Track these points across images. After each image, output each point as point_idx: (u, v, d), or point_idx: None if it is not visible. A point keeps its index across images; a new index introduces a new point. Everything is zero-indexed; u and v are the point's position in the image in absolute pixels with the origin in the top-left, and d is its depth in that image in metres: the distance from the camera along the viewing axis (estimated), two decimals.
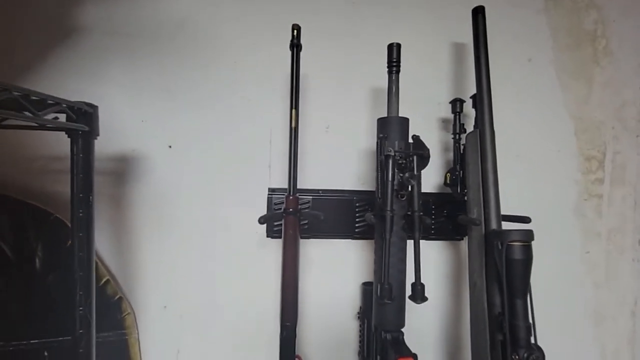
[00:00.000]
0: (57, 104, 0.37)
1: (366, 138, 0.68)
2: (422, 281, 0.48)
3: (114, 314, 0.61)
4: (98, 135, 0.45)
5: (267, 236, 0.65)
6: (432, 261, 0.70)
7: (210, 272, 0.64)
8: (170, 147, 0.63)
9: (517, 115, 0.71)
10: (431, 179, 0.69)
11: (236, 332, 0.65)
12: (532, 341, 0.45)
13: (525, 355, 0.43)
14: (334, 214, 0.65)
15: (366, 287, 0.63)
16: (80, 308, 0.46)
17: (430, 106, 0.70)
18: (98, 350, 0.62)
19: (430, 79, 0.70)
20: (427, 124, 0.70)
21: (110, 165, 0.62)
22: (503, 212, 0.53)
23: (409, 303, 0.48)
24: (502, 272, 0.45)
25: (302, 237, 0.66)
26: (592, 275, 0.74)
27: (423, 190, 0.68)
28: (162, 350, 0.64)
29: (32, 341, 0.60)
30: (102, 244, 0.61)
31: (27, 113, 0.34)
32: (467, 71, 0.70)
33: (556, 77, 0.72)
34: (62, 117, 0.43)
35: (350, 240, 0.67)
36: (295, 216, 0.50)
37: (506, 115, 0.70)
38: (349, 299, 0.67)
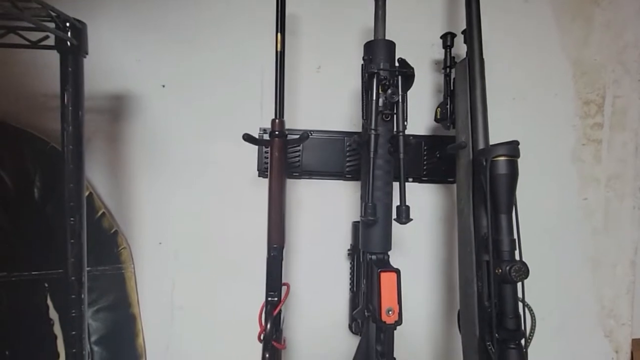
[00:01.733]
0: (44, 8, 0.38)
1: (358, 79, 0.67)
2: (407, 204, 0.48)
3: (110, 248, 0.63)
4: (87, 53, 0.46)
5: (259, 175, 0.66)
6: (425, 205, 0.70)
7: (203, 209, 0.66)
8: (163, 86, 0.65)
9: (512, 57, 0.70)
10: (424, 121, 0.69)
11: (230, 267, 0.66)
12: (517, 257, 0.45)
13: (508, 268, 0.42)
14: (325, 155, 0.66)
15: (356, 224, 0.63)
16: (72, 240, 0.47)
17: (424, 48, 0.69)
18: (96, 284, 0.64)
19: (423, 20, 0.69)
20: (420, 65, 0.68)
21: (105, 103, 0.63)
22: None
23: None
24: (486, 189, 0.45)
25: (292, 177, 0.67)
26: (590, 222, 0.72)
27: (415, 132, 0.68)
28: (157, 285, 0.66)
29: (33, 272, 0.63)
30: (98, 179, 0.63)
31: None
32: (462, 13, 0.69)
33: (553, 17, 0.71)
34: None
35: (341, 181, 0.68)
36: (281, 139, 0.50)
37: (501, 58, 0.69)
38: (340, 239, 0.68)
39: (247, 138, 0.47)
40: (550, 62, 0.71)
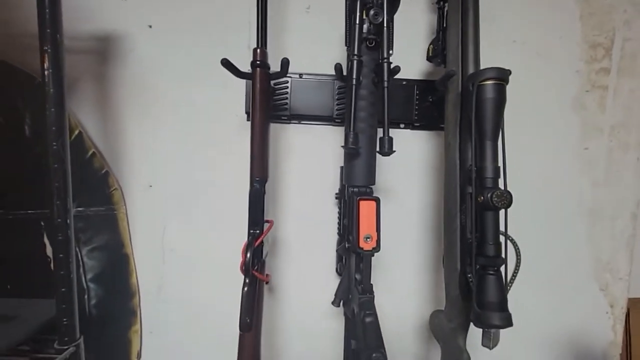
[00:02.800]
0: None
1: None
2: (389, 132, 0.47)
3: (102, 189, 0.64)
4: None
5: (248, 119, 0.65)
6: (418, 152, 0.68)
7: (192, 153, 0.66)
8: (150, 27, 0.64)
9: None
10: (417, 65, 0.66)
11: (219, 209, 0.67)
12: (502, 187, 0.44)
13: (490, 194, 0.41)
14: (315, 99, 0.64)
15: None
16: (55, 165, 0.48)
17: None
18: (90, 224, 0.66)
19: None
20: (413, 5, 0.66)
21: (91, 44, 0.63)
22: None
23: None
24: (472, 115, 0.43)
25: (281, 122, 0.66)
26: (590, 173, 0.70)
27: (407, 76, 0.66)
28: (149, 227, 0.67)
29: (29, 211, 0.65)
30: (87, 120, 0.63)
31: None
32: None
33: None
34: None
35: (330, 126, 0.66)
36: (263, 69, 0.49)
37: None
38: (329, 184, 0.67)
39: (226, 63, 0.46)
40: (555, 1, 0.67)
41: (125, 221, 0.66)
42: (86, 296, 0.66)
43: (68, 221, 0.50)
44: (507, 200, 0.41)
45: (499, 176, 0.43)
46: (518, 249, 0.48)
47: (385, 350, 0.38)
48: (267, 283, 0.53)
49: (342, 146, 0.47)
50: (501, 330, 0.71)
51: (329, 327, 0.69)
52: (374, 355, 0.37)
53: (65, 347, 0.48)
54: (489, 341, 0.49)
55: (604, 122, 0.69)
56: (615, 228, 0.71)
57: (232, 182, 0.66)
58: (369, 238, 0.44)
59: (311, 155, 0.67)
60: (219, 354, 0.69)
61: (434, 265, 0.69)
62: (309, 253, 0.68)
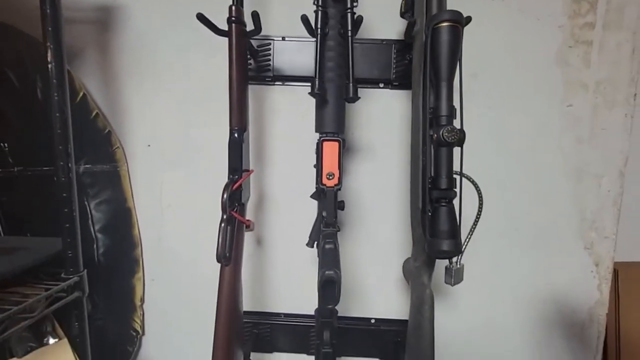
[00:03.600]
0: None
1: None
2: (354, 80, 0.50)
3: (105, 147, 0.71)
4: None
5: None
6: (397, 111, 0.70)
7: (187, 114, 0.71)
8: None
9: None
10: (396, 26, 0.68)
11: (212, 168, 0.71)
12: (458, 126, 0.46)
13: (442, 131, 0.44)
14: (299, 59, 0.68)
15: None
16: (58, 114, 0.54)
17: None
18: (96, 180, 0.73)
19: None
20: None
21: (93, 14, 0.69)
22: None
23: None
24: (427, 58, 0.46)
25: (265, 83, 0.70)
26: (574, 130, 0.70)
27: (386, 36, 0.68)
28: (148, 184, 0.73)
29: (44, 168, 0.72)
30: (91, 84, 0.70)
31: None
32: None
33: None
34: None
35: None
36: (239, 25, 0.53)
37: None
38: (311, 141, 0.70)
39: (201, 18, 0.50)
40: None
41: (127, 178, 0.73)
42: (95, 246, 0.73)
43: (69, 150, 0.56)
44: (457, 135, 0.43)
45: (453, 115, 0.45)
46: (479, 189, 0.50)
47: (339, 272, 0.42)
48: (248, 227, 0.58)
49: (309, 93, 0.50)
50: (484, 290, 0.74)
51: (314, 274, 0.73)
52: (326, 272, 0.40)
53: (70, 277, 0.55)
54: (450, 278, 0.51)
55: (588, 78, 0.69)
56: (602, 186, 0.71)
57: (225, 141, 0.71)
58: (331, 175, 0.47)
59: (297, 117, 0.70)
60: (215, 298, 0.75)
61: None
62: (294, 206, 0.72)
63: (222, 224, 0.52)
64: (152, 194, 0.73)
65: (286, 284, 0.75)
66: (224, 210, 0.52)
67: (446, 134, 0.43)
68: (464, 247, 0.51)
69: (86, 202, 0.72)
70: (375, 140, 0.71)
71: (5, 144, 0.71)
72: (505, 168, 0.71)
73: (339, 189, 0.48)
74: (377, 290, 0.74)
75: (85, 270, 0.58)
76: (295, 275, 0.74)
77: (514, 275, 0.73)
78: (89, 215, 0.73)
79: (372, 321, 0.75)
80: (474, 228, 0.51)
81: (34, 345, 0.54)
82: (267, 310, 0.75)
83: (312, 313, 0.74)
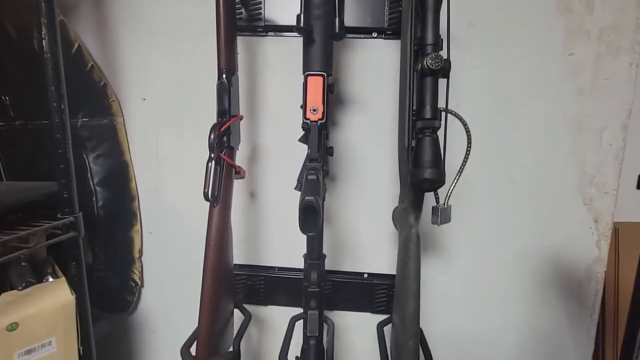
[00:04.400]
0: None
1: None
2: (341, 16, 0.49)
3: (101, 100, 0.72)
4: None
5: None
6: (390, 61, 0.69)
7: (181, 68, 0.72)
8: None
9: None
10: None
11: (206, 121, 0.72)
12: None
13: (425, 60, 0.43)
14: (291, 9, 0.67)
15: None
16: (51, 71, 0.54)
17: None
18: (94, 133, 0.74)
19: None
20: None
21: None
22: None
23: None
24: None
25: (257, 34, 0.69)
26: (575, 80, 0.67)
27: None
28: (144, 137, 0.74)
29: (44, 121, 0.74)
30: (86, 37, 0.71)
31: None
32: None
33: None
34: None
35: None
36: None
37: None
38: None
39: None
40: None
41: (123, 131, 0.74)
42: (94, 198, 0.75)
43: (61, 93, 0.56)
44: (441, 63, 0.42)
45: (439, 45, 0.44)
46: (467, 126, 0.49)
47: (320, 199, 0.42)
48: (237, 173, 0.58)
49: (293, 28, 0.50)
50: (478, 247, 0.73)
51: None
52: (306, 198, 0.41)
53: (66, 217, 0.57)
54: (437, 218, 0.51)
55: (591, 25, 0.66)
56: (603, 139, 0.69)
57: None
58: (315, 110, 0.47)
59: (291, 69, 0.70)
60: None
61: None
62: (287, 160, 0.72)
63: (209, 164, 0.52)
64: (148, 147, 0.74)
65: (280, 237, 0.76)
66: (211, 150, 0.53)
67: (430, 61, 0.42)
68: (452, 185, 0.50)
69: (85, 156, 0.74)
70: (369, 91, 0.70)
71: (6, 97, 0.73)
72: (503, 121, 0.69)
73: (323, 123, 0.47)
74: (370, 244, 0.74)
75: (81, 213, 0.59)
76: (289, 228, 0.74)
77: (509, 232, 0.72)
78: (88, 169, 0.75)
79: (365, 276, 0.75)
80: (464, 165, 0.50)
81: (33, 281, 0.56)
82: (261, 264, 0.77)
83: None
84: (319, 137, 0.47)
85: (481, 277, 0.74)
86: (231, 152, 0.57)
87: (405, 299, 0.51)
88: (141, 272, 0.78)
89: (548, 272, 0.73)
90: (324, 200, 0.49)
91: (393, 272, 0.75)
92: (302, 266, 0.75)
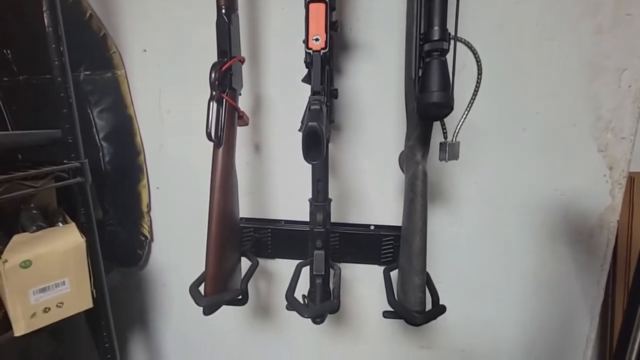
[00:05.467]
0: None
1: None
2: None
3: (102, 52, 0.71)
4: None
5: None
6: (396, 4, 0.66)
7: (182, 18, 0.70)
8: None
9: None
10: None
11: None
12: None
13: None
14: None
15: None
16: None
17: None
18: (96, 87, 0.73)
19: None
20: None
21: None
22: None
23: None
24: None
25: None
26: (594, 17, 0.63)
27: None
28: (146, 90, 0.74)
29: (47, 76, 0.74)
30: None
31: None
32: None
33: None
34: None
35: None
36: None
37: None
38: None
39: None
40: None
41: (125, 84, 0.73)
42: (101, 154, 0.76)
43: (67, 81, 0.57)
44: None
45: None
46: (477, 55, 0.46)
47: (322, 126, 0.41)
48: (241, 117, 0.57)
49: None
50: (487, 196, 0.71)
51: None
52: (309, 123, 0.40)
53: (72, 162, 0.57)
54: (445, 153, 0.50)
55: None
56: (622, 81, 0.65)
57: None
58: (317, 39, 0.45)
59: (294, 11, 0.67)
60: None
61: None
62: (293, 110, 0.71)
63: (211, 103, 0.52)
64: (151, 100, 0.74)
65: (286, 190, 0.75)
66: (213, 89, 0.52)
67: None
68: (462, 118, 0.49)
69: (89, 110, 0.74)
70: (374, 36, 0.67)
71: (8, 51, 0.72)
72: (513, 62, 0.66)
73: (326, 53, 0.46)
74: (376, 196, 0.74)
75: (87, 160, 0.60)
76: (295, 181, 0.74)
77: (518, 180, 0.70)
78: (93, 123, 0.75)
79: (372, 227, 0.75)
80: (474, 97, 0.48)
81: (44, 225, 0.57)
82: (268, 217, 0.77)
83: None
84: (322, 69, 0.46)
85: (489, 227, 0.73)
86: (233, 94, 0.56)
87: (412, 236, 0.51)
88: (150, 227, 0.79)
89: (558, 221, 0.72)
90: (329, 134, 0.48)
91: (400, 223, 0.75)
92: (307, 219, 0.76)
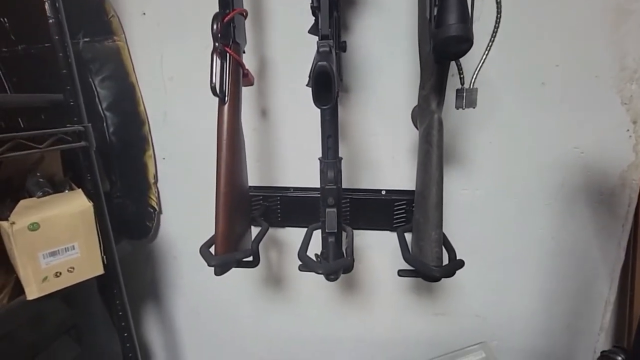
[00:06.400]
0: None
1: None
2: None
3: (100, 16, 0.69)
4: None
5: None
6: None
7: None
8: None
9: None
10: None
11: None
12: None
13: None
14: None
15: None
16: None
17: None
18: (97, 54, 0.71)
19: None
20: None
21: None
22: None
23: None
24: None
25: None
26: None
27: None
28: (147, 56, 0.71)
29: (46, 44, 0.72)
30: None
31: None
32: None
33: None
34: None
35: None
36: None
37: None
38: None
39: None
40: None
41: (126, 50, 0.71)
42: (105, 124, 0.74)
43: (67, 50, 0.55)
44: None
45: None
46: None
47: (333, 66, 0.39)
48: (245, 75, 0.55)
49: None
50: (503, 153, 0.69)
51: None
52: (319, 63, 0.37)
53: (75, 126, 0.55)
54: (461, 100, 0.47)
55: None
56: None
57: None
58: None
59: None
60: None
61: None
62: (299, 73, 0.68)
63: (214, 55, 0.49)
64: (153, 67, 0.72)
65: (294, 157, 0.73)
66: (215, 40, 0.49)
67: None
68: (480, 63, 0.46)
69: (90, 79, 0.72)
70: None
71: (5, 19, 0.70)
72: (530, 8, 0.62)
73: None
74: (387, 159, 0.72)
75: (90, 125, 0.58)
76: (303, 147, 0.72)
77: (536, 139, 0.68)
78: (95, 93, 0.73)
79: (383, 192, 0.73)
80: (493, 38, 0.45)
81: (50, 191, 0.57)
82: (277, 184, 0.75)
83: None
84: (330, 11, 0.43)
85: (505, 190, 0.71)
86: (237, 48, 0.53)
87: (428, 188, 0.49)
88: (158, 198, 0.79)
89: (577, 180, 0.69)
90: (339, 86, 0.46)
91: (412, 187, 0.73)
92: (317, 185, 0.74)
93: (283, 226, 0.77)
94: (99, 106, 0.73)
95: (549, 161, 0.69)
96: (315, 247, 0.75)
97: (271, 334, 0.87)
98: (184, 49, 0.70)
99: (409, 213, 0.72)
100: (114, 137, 0.75)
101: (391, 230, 0.75)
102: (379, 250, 0.77)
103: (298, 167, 0.74)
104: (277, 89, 0.70)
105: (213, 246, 0.53)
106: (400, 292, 0.80)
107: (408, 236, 0.62)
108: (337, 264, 0.49)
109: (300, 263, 0.53)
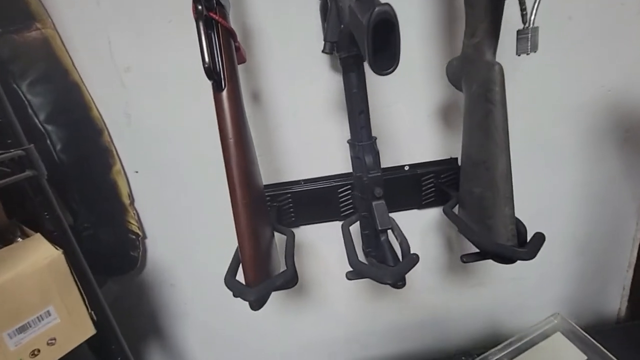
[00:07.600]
0: None
1: None
2: None
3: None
4: None
5: None
6: None
7: None
8: None
9: None
10: None
11: (175, 10, 0.53)
12: None
13: None
14: None
15: None
16: None
17: None
18: (17, 51, 0.53)
19: None
20: None
21: None
22: None
23: None
24: None
25: None
26: None
27: None
28: (89, 44, 0.54)
29: None
30: None
31: None
32: None
33: None
34: None
35: None
36: None
37: None
38: None
39: None
40: None
41: (57, 39, 0.53)
42: (49, 141, 0.57)
43: None
44: None
45: None
46: None
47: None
48: (237, 50, 0.42)
49: None
50: (530, 97, 0.62)
51: (329, 128, 0.60)
52: (377, 8, 0.26)
53: (11, 150, 0.40)
54: (527, 42, 0.39)
55: None
56: None
57: None
58: None
59: None
60: (216, 185, 0.62)
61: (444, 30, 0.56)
62: (291, 44, 0.55)
63: (199, 23, 0.36)
64: (100, 58, 0.55)
65: (299, 144, 0.62)
66: (197, 3, 0.36)
67: None
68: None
69: (15, 86, 0.54)
70: None
71: None
72: None
73: None
74: (407, 131, 0.62)
75: (32, 145, 0.42)
76: (306, 131, 0.61)
77: (561, 79, 0.62)
78: (26, 103, 0.55)
79: (406, 168, 0.64)
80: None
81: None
82: (284, 179, 0.64)
83: (334, 173, 0.64)
84: None
85: (530, 137, 0.64)
86: (224, 12, 0.40)
87: (494, 157, 0.41)
88: (139, 221, 0.64)
89: (607, 122, 0.65)
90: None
91: (438, 157, 0.65)
92: (330, 172, 0.63)
93: (297, 225, 0.67)
94: (35, 119, 0.56)
95: (576, 102, 0.63)
96: (314, 247, 0.67)
97: (300, 348, 0.78)
98: (140, 28, 0.54)
99: (439, 186, 0.64)
100: (64, 156, 0.58)
101: (419, 208, 0.67)
102: (407, 232, 0.69)
103: (305, 155, 0.63)
104: (268, 67, 0.57)
105: (239, 271, 0.42)
106: (430, 273, 0.74)
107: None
108: (405, 265, 0.40)
109: (350, 270, 0.43)
